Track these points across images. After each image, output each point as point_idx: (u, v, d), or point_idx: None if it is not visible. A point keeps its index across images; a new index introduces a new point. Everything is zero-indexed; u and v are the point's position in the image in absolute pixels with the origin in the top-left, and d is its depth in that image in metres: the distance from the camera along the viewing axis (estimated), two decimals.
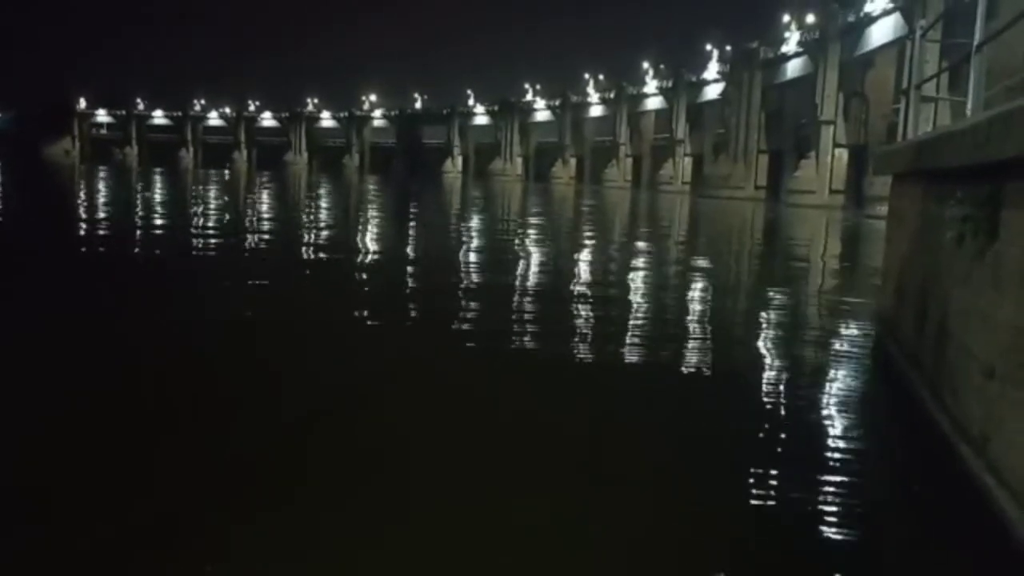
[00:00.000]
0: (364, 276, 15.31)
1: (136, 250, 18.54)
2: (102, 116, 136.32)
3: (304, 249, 19.44)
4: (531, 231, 28.00)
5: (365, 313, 11.19)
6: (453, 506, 4.73)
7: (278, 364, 7.90)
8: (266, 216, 31.40)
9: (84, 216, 28.32)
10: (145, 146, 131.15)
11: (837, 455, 5.90)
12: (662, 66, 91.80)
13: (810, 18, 64.49)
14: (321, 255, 18.41)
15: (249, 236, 22.09)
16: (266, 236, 22.69)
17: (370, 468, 5.26)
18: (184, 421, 6.10)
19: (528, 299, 12.82)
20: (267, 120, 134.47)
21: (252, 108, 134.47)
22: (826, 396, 7.61)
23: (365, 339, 9.36)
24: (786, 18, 68.54)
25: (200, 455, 5.38)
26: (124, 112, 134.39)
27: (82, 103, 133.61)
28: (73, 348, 8.17)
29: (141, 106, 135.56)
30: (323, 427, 6.06)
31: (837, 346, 9.95)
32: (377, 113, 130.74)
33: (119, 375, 7.29)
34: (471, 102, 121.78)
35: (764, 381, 8.12)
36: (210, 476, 5.04)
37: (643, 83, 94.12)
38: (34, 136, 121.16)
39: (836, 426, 6.67)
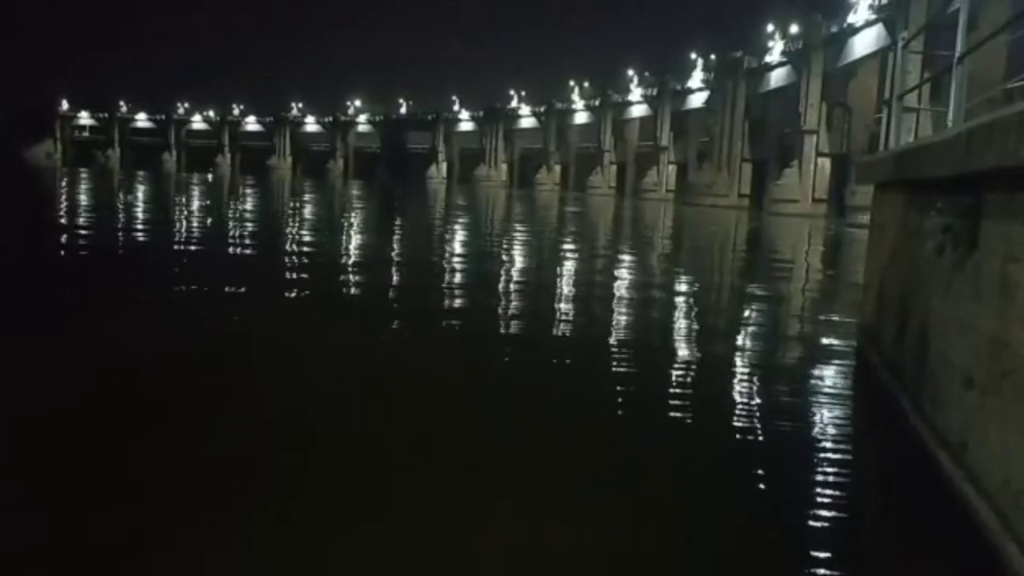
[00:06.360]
0: (343, 284, 15.25)
1: (113, 259, 18.37)
2: (84, 118, 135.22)
3: (286, 259, 19.34)
4: (516, 238, 28.00)
5: (346, 318, 11.18)
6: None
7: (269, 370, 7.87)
8: (248, 225, 31.18)
9: (59, 222, 28.06)
10: (128, 149, 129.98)
11: (817, 464, 5.91)
12: (647, 74, 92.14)
13: (794, 28, 64.95)
14: (304, 266, 18.32)
15: (232, 247, 21.92)
16: (250, 244, 22.56)
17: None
18: (179, 426, 6.05)
19: (511, 302, 12.84)
20: (251, 124, 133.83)
21: (236, 112, 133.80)
22: (807, 406, 7.63)
23: (337, 347, 9.33)
24: (770, 28, 69.01)
25: (189, 461, 5.33)
26: (107, 114, 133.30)
27: (64, 105, 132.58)
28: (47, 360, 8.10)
29: (124, 108, 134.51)
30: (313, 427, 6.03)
31: (817, 356, 9.97)
32: (362, 118, 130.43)
33: (113, 379, 7.24)
34: (456, 108, 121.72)
35: (741, 388, 8.13)
36: (198, 482, 4.99)
37: (628, 91, 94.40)
38: (14, 138, 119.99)
39: (817, 436, 6.68)
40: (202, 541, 4.25)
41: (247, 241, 22.40)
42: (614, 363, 8.97)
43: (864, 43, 53.44)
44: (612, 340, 10.27)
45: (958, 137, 5.22)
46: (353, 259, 19.07)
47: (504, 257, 20.77)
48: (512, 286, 15.13)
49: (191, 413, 6.35)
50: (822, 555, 4.50)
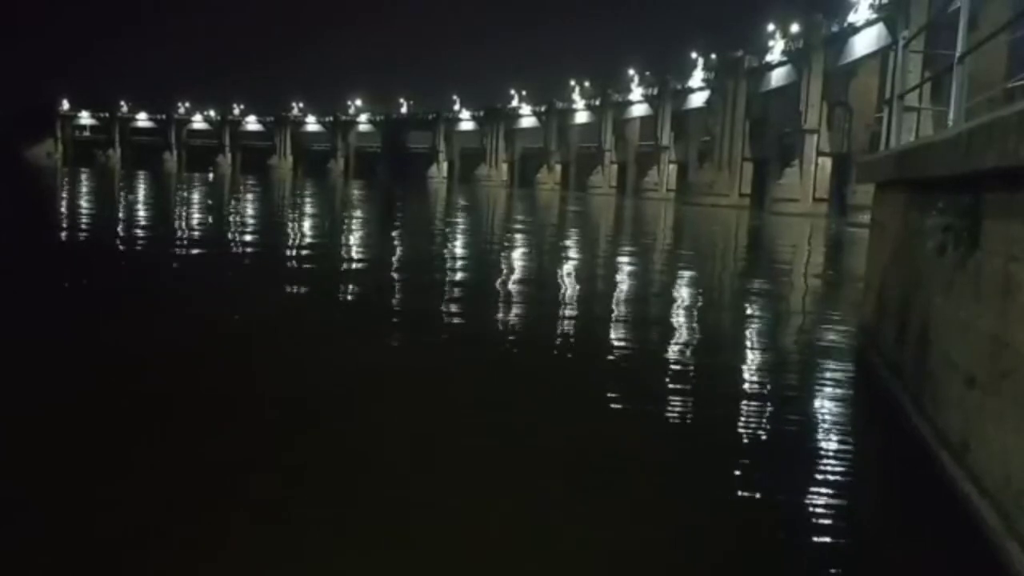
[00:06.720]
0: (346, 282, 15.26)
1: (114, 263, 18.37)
2: (85, 118, 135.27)
3: (288, 259, 19.33)
4: (518, 238, 27.99)
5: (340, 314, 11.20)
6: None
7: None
8: (250, 226, 31.17)
9: (58, 222, 28.05)
10: (128, 148, 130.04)
11: (818, 464, 5.91)
12: (648, 73, 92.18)
13: (794, 27, 64.93)
14: (306, 267, 18.32)
15: (233, 248, 21.91)
16: (251, 244, 22.57)
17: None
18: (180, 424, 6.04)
19: (512, 302, 12.84)
20: (252, 124, 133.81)
21: (237, 112, 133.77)
22: (807, 406, 7.62)
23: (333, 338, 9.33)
24: (771, 27, 69.00)
25: (189, 461, 5.33)
26: (107, 114, 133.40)
27: (65, 104, 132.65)
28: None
29: (125, 108, 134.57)
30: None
31: (818, 356, 9.94)
32: (363, 118, 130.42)
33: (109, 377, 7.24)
34: (457, 107, 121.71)
35: (743, 389, 8.12)
36: (198, 483, 4.99)
37: (629, 90, 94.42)
38: (15, 138, 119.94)
39: (817, 436, 6.68)
40: (202, 542, 4.25)
41: (248, 240, 22.39)
42: (614, 363, 8.97)
43: (865, 42, 53.44)
44: (612, 340, 10.25)
45: (959, 137, 5.21)
46: (355, 259, 19.07)
47: (506, 257, 20.76)
48: (514, 286, 15.12)
49: (191, 413, 6.34)
50: (823, 554, 4.50)
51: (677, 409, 7.19)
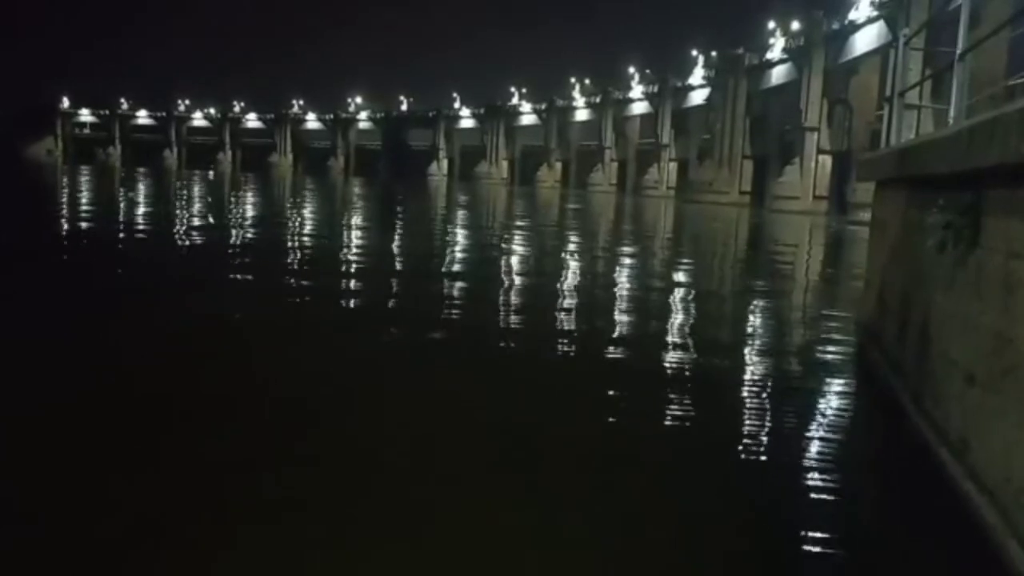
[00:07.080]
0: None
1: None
2: (85, 115, 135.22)
3: (289, 258, 19.31)
4: (519, 236, 28.00)
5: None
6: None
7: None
8: (251, 224, 31.13)
9: (55, 220, 28.03)
10: (129, 146, 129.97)
11: (817, 461, 5.91)
12: (648, 71, 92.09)
13: (795, 25, 64.87)
14: (307, 266, 18.32)
15: (234, 246, 21.87)
16: (253, 241, 22.54)
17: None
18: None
19: (512, 302, 12.84)
20: (252, 121, 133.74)
21: (237, 109, 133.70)
22: (807, 404, 7.61)
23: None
24: (771, 25, 68.93)
25: (189, 462, 5.33)
26: (108, 112, 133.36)
27: (65, 102, 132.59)
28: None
29: (125, 106, 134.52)
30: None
31: (818, 355, 9.92)
32: (363, 115, 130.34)
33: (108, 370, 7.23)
34: (457, 105, 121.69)
35: (744, 387, 8.12)
36: (199, 484, 4.99)
37: (629, 88, 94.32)
38: (15, 136, 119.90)
39: (817, 433, 6.67)
40: (203, 541, 4.25)
41: (250, 237, 22.37)
42: (616, 361, 8.98)
43: (865, 40, 53.37)
44: (614, 337, 10.25)
45: (960, 134, 5.21)
46: (357, 257, 19.05)
47: (507, 255, 20.75)
48: (515, 285, 15.13)
49: (191, 413, 6.34)
50: (822, 553, 4.50)
51: (677, 407, 7.19)
